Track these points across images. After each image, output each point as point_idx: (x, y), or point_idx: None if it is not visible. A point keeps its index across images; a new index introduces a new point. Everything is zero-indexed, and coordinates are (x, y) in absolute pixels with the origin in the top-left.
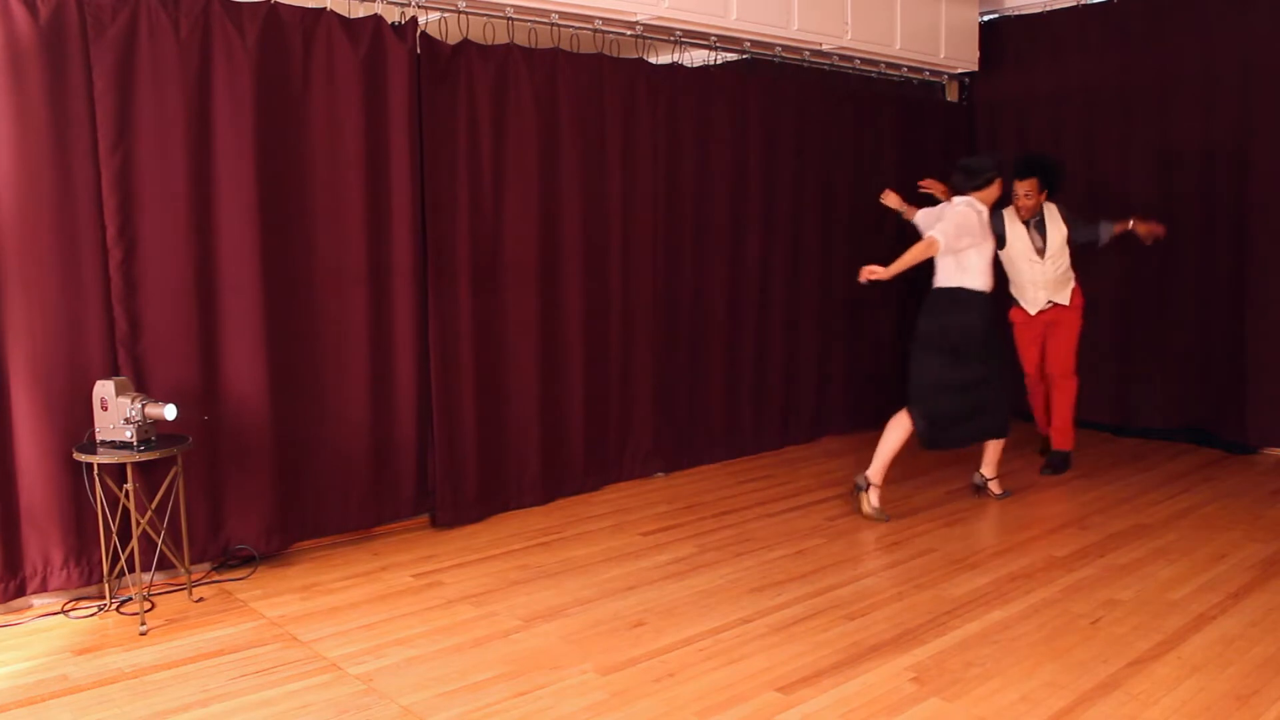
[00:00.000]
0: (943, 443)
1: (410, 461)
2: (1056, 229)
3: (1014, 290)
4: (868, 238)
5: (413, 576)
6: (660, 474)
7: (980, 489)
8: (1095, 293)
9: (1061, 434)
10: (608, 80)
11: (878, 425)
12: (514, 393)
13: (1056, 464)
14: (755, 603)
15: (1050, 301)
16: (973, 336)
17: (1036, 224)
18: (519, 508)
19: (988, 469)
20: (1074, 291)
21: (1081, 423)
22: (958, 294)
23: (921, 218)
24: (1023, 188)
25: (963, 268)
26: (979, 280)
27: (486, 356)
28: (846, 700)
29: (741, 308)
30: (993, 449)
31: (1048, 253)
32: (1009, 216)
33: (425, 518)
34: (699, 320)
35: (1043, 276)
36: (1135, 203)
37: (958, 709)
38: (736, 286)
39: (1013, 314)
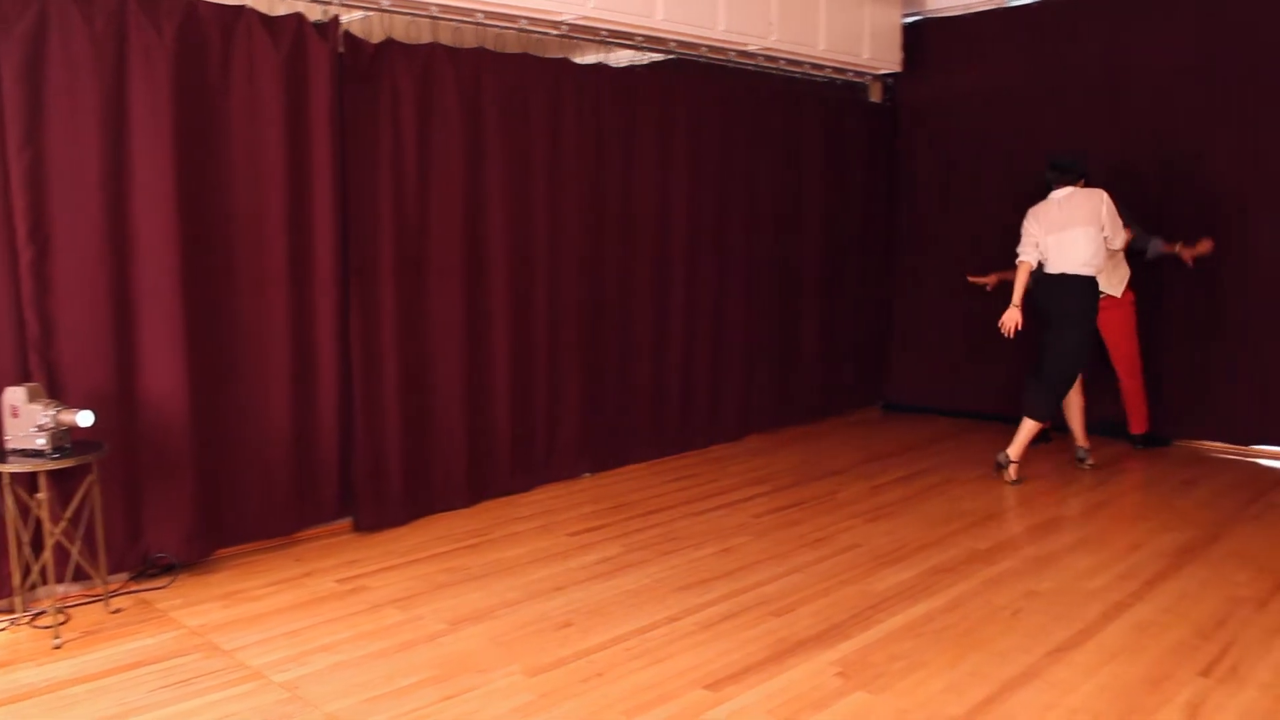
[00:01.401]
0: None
1: (333, 465)
2: None
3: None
4: (793, 237)
5: (337, 581)
6: (587, 474)
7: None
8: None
9: None
10: (533, 80)
11: (803, 422)
12: (439, 395)
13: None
14: (682, 601)
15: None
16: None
17: None
18: (445, 510)
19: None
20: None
21: (1001, 418)
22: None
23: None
24: None
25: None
26: None
27: (411, 359)
28: (773, 696)
29: (668, 307)
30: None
31: None
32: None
33: (349, 522)
34: (626, 320)
35: None
36: None
37: (883, 701)
38: (663, 286)
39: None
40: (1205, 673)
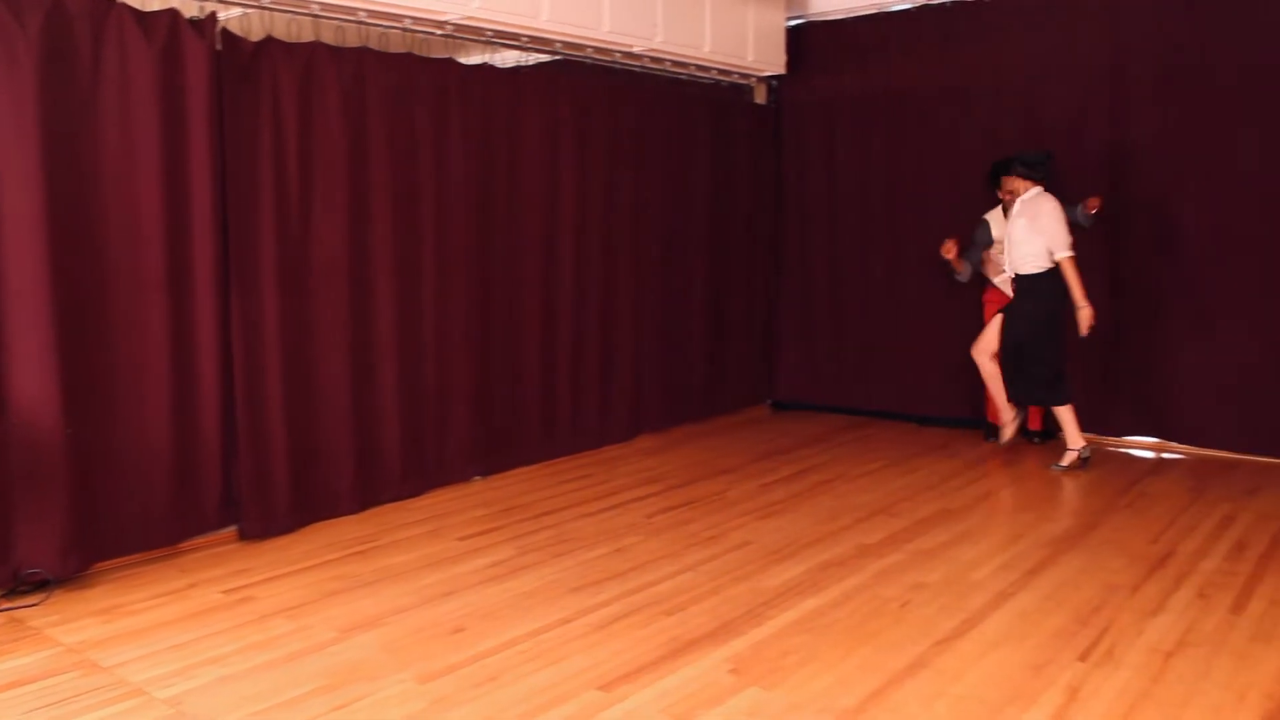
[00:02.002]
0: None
1: (216, 473)
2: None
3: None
4: (681, 238)
5: (223, 593)
6: (478, 477)
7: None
8: (907, 289)
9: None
10: (418, 80)
11: (692, 421)
12: (325, 399)
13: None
14: (575, 602)
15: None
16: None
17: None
18: (333, 517)
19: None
20: None
21: (891, 415)
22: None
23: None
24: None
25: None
26: None
27: (295, 363)
28: (667, 694)
29: (557, 308)
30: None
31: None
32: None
33: (234, 531)
34: (515, 321)
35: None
36: (932, 203)
37: (776, 697)
38: (551, 287)
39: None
40: (1083, 657)
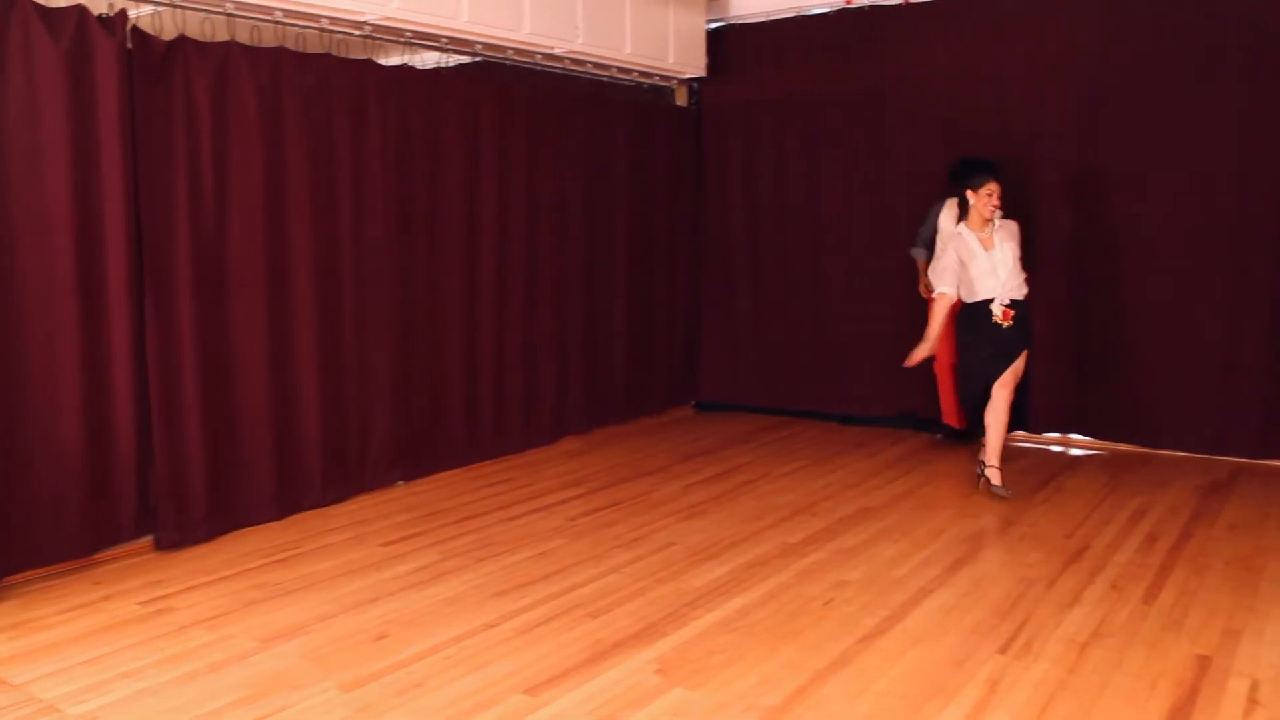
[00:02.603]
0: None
1: (130, 481)
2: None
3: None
4: (603, 239)
5: (139, 604)
6: (401, 482)
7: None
8: (829, 289)
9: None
10: (336, 81)
11: (616, 423)
12: (244, 405)
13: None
14: (499, 607)
15: None
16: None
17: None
18: (254, 525)
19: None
20: None
21: (814, 414)
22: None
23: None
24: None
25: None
26: None
27: (212, 368)
28: (593, 697)
29: (479, 311)
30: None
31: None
32: (950, 206)
33: (150, 540)
34: (436, 325)
35: None
36: (854, 204)
37: (701, 696)
38: (473, 290)
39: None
40: (1003, 650)
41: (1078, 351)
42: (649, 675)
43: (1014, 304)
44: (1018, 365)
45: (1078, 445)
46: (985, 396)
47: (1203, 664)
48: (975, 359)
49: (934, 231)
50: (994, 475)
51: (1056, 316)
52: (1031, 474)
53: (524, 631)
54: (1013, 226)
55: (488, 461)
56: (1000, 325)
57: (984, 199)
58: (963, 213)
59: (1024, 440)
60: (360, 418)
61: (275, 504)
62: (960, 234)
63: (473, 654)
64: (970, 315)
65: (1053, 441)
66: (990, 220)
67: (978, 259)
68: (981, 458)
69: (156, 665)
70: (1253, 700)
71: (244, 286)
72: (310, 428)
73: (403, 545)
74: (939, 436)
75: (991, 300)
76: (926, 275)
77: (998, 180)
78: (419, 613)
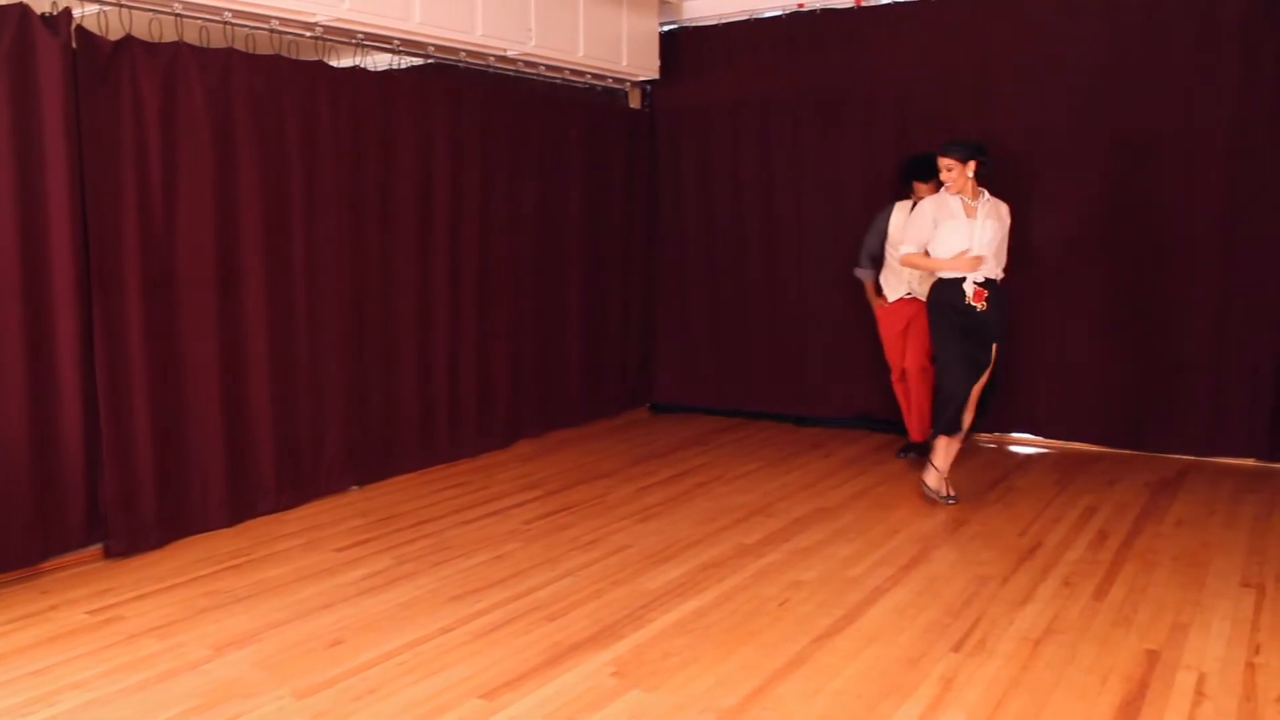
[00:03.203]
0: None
1: (79, 488)
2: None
3: (883, 278)
4: (556, 241)
5: (88, 613)
6: (355, 487)
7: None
8: (783, 290)
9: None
10: (286, 83)
11: (571, 426)
12: (195, 409)
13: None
14: (455, 611)
15: (910, 293)
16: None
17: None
18: (205, 531)
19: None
20: None
21: (769, 415)
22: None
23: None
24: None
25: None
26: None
27: (163, 373)
28: (550, 700)
29: (433, 314)
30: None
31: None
32: (901, 208)
33: (99, 548)
34: (390, 328)
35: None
36: (806, 206)
37: (658, 699)
38: (426, 292)
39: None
40: (957, 648)
41: (1026, 353)
42: (606, 678)
43: (988, 283)
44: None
45: (1028, 444)
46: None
47: (1152, 658)
48: (949, 352)
49: (882, 239)
50: (932, 477)
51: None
52: (983, 473)
53: (480, 636)
54: (1003, 208)
55: (442, 465)
56: (974, 309)
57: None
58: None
59: (976, 439)
60: (313, 422)
61: (227, 510)
62: (943, 195)
63: (428, 659)
64: (939, 298)
65: (1005, 440)
66: (977, 193)
67: (955, 223)
68: (929, 455)
69: (106, 675)
70: (1200, 693)
71: (194, 289)
72: (263, 432)
73: (357, 550)
74: (910, 455)
75: (964, 280)
76: (877, 293)
77: (930, 181)
78: (374, 618)
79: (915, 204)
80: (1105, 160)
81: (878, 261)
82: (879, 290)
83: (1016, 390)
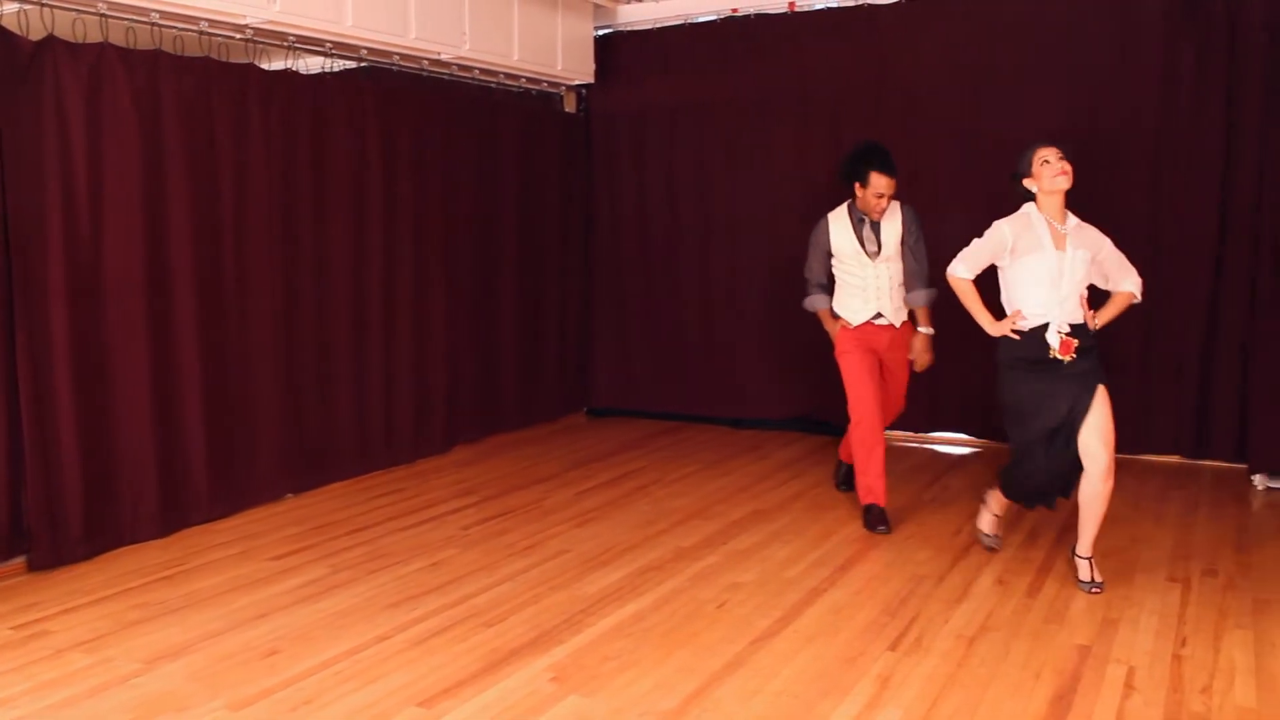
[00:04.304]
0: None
1: (2, 500)
2: (893, 229)
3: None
4: (492, 246)
5: (12, 629)
6: (290, 495)
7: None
8: (718, 294)
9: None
10: (216, 86)
11: (508, 431)
12: (124, 419)
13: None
14: (392, 619)
15: (881, 316)
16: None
17: (873, 223)
18: (136, 542)
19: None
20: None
21: (706, 418)
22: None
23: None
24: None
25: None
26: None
27: (89, 382)
28: (489, 707)
29: (367, 319)
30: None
31: (882, 255)
32: (838, 217)
33: (23, 561)
34: (324, 334)
35: (875, 282)
36: (741, 211)
37: (597, 703)
38: (361, 297)
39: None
40: (894, 646)
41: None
42: (544, 683)
43: (1075, 331)
44: (1102, 414)
45: (961, 444)
46: (1060, 485)
47: (1083, 653)
48: (1027, 429)
49: (827, 258)
50: (1084, 568)
51: (942, 316)
52: (919, 474)
53: (417, 643)
54: (1098, 239)
55: (379, 472)
56: (1060, 361)
57: (872, 194)
58: (854, 213)
59: (909, 440)
60: (246, 429)
61: (158, 520)
62: (1027, 216)
63: (365, 668)
64: (1010, 354)
65: (937, 441)
66: (1064, 215)
67: (1041, 256)
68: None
69: (32, 692)
70: (1129, 685)
71: (122, 295)
72: (194, 440)
73: (292, 559)
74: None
75: (1044, 326)
76: (835, 321)
77: (891, 176)
78: (309, 627)
79: (851, 209)
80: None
81: (828, 286)
82: (835, 314)
83: (948, 389)
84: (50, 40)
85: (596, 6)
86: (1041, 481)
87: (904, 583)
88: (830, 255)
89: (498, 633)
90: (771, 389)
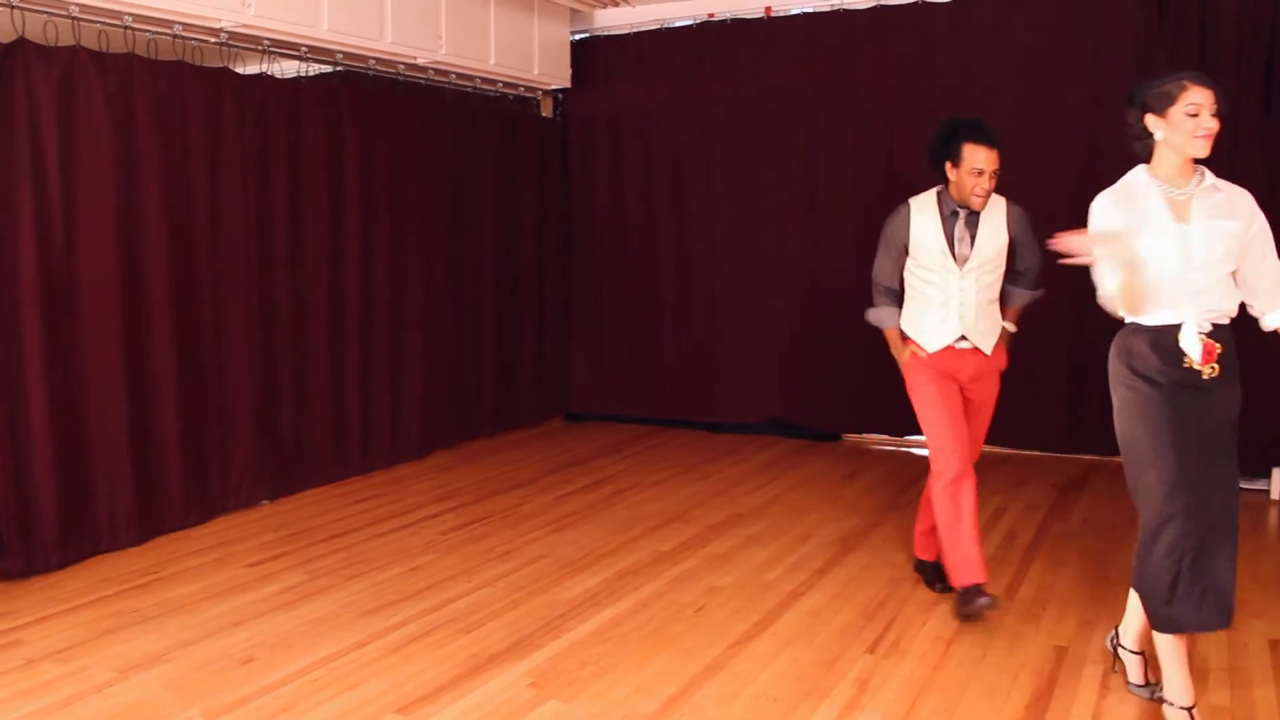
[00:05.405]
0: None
1: None
2: (994, 230)
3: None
4: (469, 250)
5: None
6: (266, 501)
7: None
8: (696, 298)
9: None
10: (190, 90)
11: (485, 436)
12: (98, 426)
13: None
14: (370, 625)
15: (965, 339)
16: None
17: (969, 217)
18: (111, 550)
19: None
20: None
21: (683, 422)
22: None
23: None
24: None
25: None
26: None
27: (63, 388)
28: (467, 713)
29: (344, 325)
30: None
31: (974, 260)
32: (923, 206)
33: None
34: (301, 339)
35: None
36: (718, 214)
37: (576, 708)
38: (337, 302)
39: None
40: (872, 649)
41: None
42: (523, 689)
43: (1218, 331)
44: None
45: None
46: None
47: (1060, 654)
48: (1158, 462)
49: (902, 260)
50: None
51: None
52: (895, 477)
53: (395, 649)
54: (1239, 200)
55: (356, 478)
56: (1199, 373)
57: (967, 171)
58: (945, 202)
59: (885, 444)
60: (222, 435)
61: (134, 527)
62: (1131, 184)
63: (343, 675)
64: (1126, 360)
65: (915, 444)
66: (1190, 176)
67: (1160, 233)
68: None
69: (4, 703)
70: (1105, 686)
71: (96, 300)
72: (170, 447)
73: (269, 566)
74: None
75: (1177, 326)
76: (906, 339)
77: (992, 147)
78: (286, 634)
79: (942, 197)
80: (1012, 170)
81: (898, 295)
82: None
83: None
84: (21, 43)
85: (573, 11)
86: (1185, 543)
87: (881, 586)
88: (906, 254)
89: (476, 638)
90: (746, 393)
